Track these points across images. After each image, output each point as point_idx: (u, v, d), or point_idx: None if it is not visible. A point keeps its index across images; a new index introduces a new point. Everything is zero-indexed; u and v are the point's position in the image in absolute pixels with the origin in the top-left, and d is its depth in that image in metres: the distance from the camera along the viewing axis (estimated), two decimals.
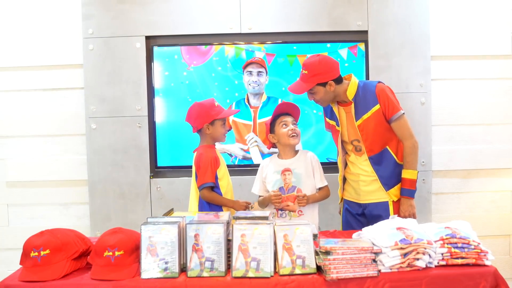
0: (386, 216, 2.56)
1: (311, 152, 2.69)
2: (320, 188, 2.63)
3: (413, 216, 2.59)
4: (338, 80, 2.60)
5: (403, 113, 2.61)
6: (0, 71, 3.51)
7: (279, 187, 2.61)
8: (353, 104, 2.62)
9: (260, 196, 2.70)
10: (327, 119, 2.81)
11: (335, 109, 2.70)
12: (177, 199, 3.40)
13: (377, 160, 2.64)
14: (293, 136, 2.59)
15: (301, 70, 2.60)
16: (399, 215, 2.60)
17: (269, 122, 2.67)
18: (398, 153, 2.66)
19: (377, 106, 2.58)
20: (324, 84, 2.56)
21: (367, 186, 2.67)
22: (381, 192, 2.66)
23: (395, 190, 2.65)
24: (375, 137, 2.61)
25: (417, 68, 3.45)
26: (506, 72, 3.54)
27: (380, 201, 2.67)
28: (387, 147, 2.64)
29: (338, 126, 2.71)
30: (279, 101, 3.48)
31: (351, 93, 2.61)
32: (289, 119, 2.62)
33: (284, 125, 2.60)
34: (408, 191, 2.62)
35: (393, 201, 2.66)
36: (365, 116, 2.60)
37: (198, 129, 2.68)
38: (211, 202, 2.61)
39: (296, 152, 2.66)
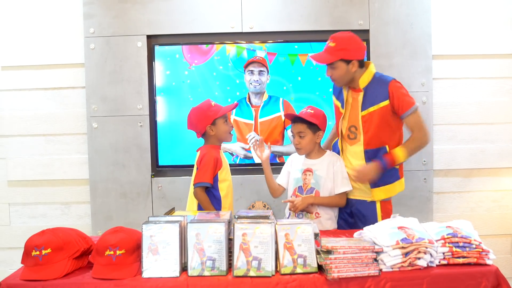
0: (373, 217, 2.53)
1: (337, 156, 2.64)
2: (338, 194, 2.57)
3: (361, 178, 2.49)
4: (360, 64, 2.54)
5: (417, 106, 2.51)
6: (2, 70, 3.52)
7: (298, 186, 2.60)
8: (362, 93, 2.54)
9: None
10: (335, 98, 2.74)
11: (344, 91, 2.63)
12: (178, 198, 3.40)
13: (372, 156, 2.55)
14: (296, 149, 2.61)
15: (328, 42, 2.52)
16: (355, 168, 2.51)
17: (290, 120, 2.65)
18: None
19: (386, 102, 2.50)
20: (347, 62, 2.49)
21: (353, 182, 2.59)
22: (367, 191, 2.58)
23: (379, 191, 2.57)
24: (376, 132, 2.53)
25: (418, 67, 3.45)
26: (508, 71, 3.54)
27: (366, 200, 2.59)
28: (386, 146, 2.55)
29: (342, 108, 2.64)
30: (280, 100, 3.49)
31: (363, 82, 2.54)
32: (295, 129, 2.58)
33: (293, 135, 2.61)
34: (385, 162, 2.48)
35: (380, 201, 2.58)
36: (371, 109, 2.52)
37: (202, 133, 2.66)
38: (199, 202, 2.58)
39: (323, 152, 2.63)
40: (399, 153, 2.50)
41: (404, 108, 2.50)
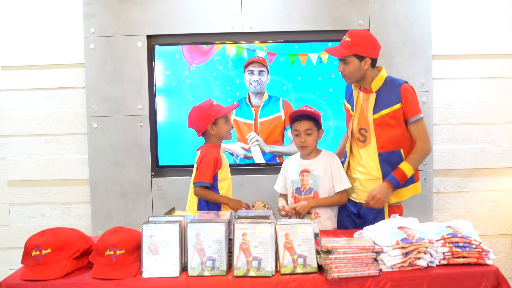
0: (381, 220, 2.52)
1: (333, 154, 2.65)
2: (338, 193, 2.56)
3: (378, 205, 2.50)
4: (373, 63, 2.57)
5: (422, 117, 2.57)
6: (2, 70, 3.51)
7: (296, 187, 2.59)
8: (374, 96, 2.55)
9: (281, 194, 2.72)
10: (346, 101, 2.74)
11: (355, 93, 2.64)
12: (178, 198, 3.40)
13: (387, 159, 2.54)
14: (302, 147, 2.58)
15: (344, 37, 2.55)
16: (370, 195, 2.50)
17: (289, 120, 2.63)
18: None
19: (398, 105, 2.51)
20: (361, 58, 2.51)
21: (363, 186, 2.60)
22: None
23: (393, 193, 2.55)
24: (390, 135, 2.53)
25: (418, 67, 3.44)
26: (508, 71, 3.54)
27: None
28: (401, 150, 2.55)
29: (352, 111, 2.65)
30: (280, 100, 3.49)
31: (376, 85, 2.55)
32: (302, 126, 2.55)
33: (296, 134, 2.58)
34: (395, 181, 2.49)
35: (389, 205, 2.57)
36: (383, 112, 2.53)
37: (202, 132, 2.67)
38: (203, 199, 2.59)
39: (319, 152, 2.63)
40: (407, 168, 2.51)
41: (410, 113, 2.53)
